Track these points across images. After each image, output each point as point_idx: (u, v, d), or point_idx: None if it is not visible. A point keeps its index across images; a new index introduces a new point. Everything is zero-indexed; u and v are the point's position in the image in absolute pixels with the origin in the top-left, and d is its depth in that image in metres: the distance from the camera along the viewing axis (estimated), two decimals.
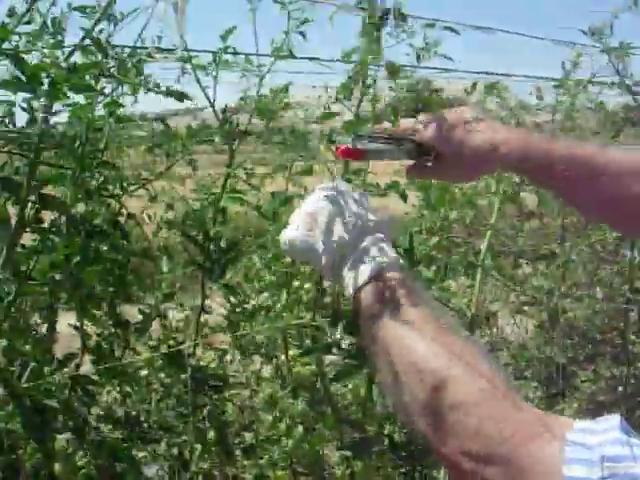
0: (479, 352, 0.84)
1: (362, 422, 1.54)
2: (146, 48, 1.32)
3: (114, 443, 1.31)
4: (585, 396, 3.04)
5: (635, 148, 1.22)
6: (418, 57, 1.35)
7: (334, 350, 1.22)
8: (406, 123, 1.22)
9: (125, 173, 1.78)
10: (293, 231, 0.99)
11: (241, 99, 1.73)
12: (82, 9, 1.19)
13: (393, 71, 1.29)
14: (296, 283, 1.77)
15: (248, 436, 1.85)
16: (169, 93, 1.48)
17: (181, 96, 1.52)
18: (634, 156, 1.14)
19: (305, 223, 0.98)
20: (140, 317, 1.75)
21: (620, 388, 3.08)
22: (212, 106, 1.67)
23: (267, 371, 2.15)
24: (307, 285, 1.54)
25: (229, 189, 1.72)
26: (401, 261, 0.95)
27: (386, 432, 1.50)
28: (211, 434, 1.65)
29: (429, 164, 1.17)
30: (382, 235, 0.96)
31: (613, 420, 0.71)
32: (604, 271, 3.47)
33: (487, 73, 2.93)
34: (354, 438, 1.47)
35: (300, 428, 1.63)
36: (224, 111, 1.76)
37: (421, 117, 1.21)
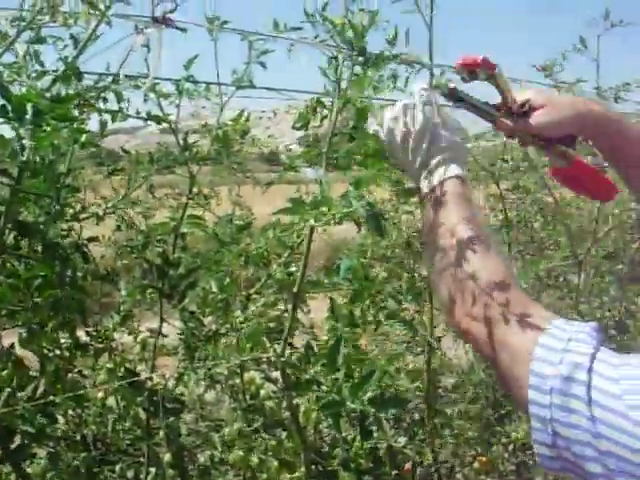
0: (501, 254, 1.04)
1: (328, 452, 1.57)
2: (114, 75, 1.35)
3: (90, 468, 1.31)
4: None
5: None
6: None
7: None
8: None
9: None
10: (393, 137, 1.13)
11: (203, 126, 1.77)
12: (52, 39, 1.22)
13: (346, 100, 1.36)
14: (253, 308, 1.80)
15: (202, 458, 1.86)
16: (149, 118, 1.52)
17: (159, 120, 1.56)
18: None
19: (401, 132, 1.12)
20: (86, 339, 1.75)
21: None
22: (174, 131, 1.71)
23: (210, 396, 2.17)
24: (274, 313, 1.56)
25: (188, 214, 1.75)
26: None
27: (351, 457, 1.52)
28: (167, 456, 1.66)
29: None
30: (455, 154, 1.11)
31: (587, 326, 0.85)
32: (549, 297, 3.57)
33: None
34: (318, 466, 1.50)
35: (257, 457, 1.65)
36: (185, 138, 1.79)
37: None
